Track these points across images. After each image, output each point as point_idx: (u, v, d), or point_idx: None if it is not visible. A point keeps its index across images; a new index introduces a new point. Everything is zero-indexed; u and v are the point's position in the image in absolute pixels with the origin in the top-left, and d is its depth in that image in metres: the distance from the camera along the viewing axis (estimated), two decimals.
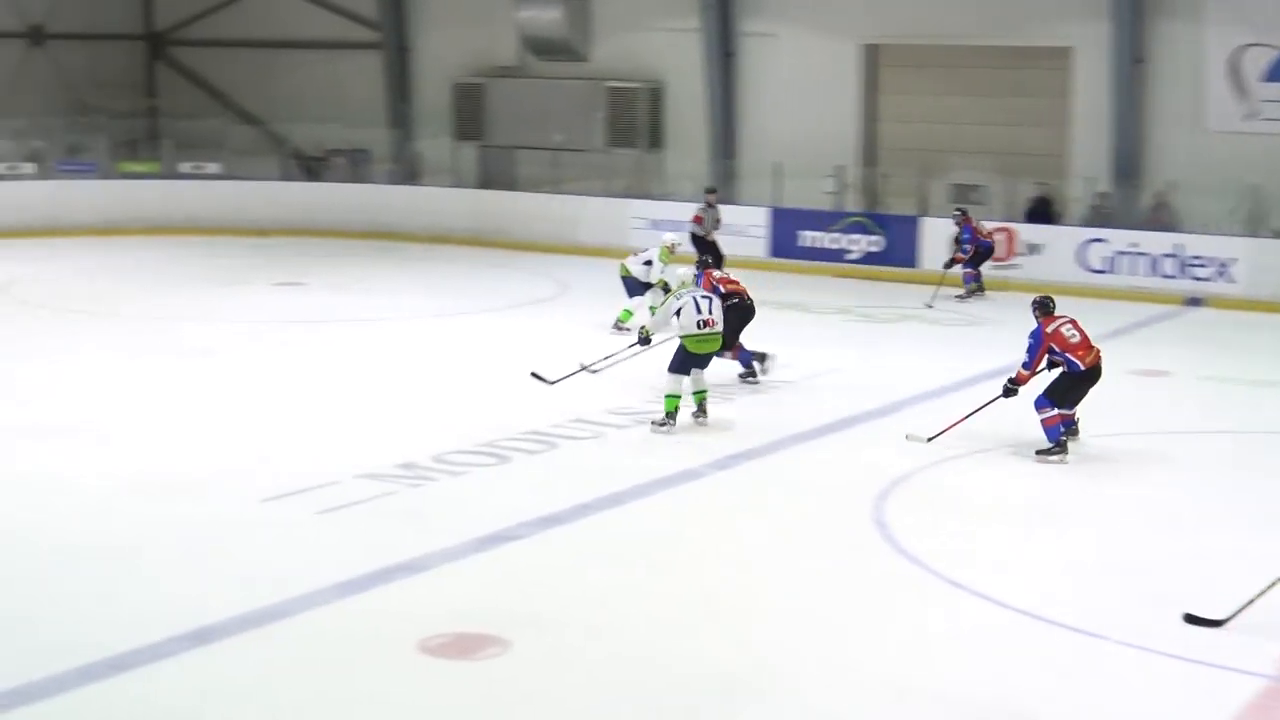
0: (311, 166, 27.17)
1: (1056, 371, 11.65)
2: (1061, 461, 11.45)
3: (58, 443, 11.61)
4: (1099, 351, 11.67)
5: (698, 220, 20.90)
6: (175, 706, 7.04)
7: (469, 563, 9.04)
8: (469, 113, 25.92)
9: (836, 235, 22.32)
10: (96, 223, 25.06)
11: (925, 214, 21.98)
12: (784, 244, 22.20)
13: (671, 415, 12.23)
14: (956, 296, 19.55)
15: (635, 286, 16.55)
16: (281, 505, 10.06)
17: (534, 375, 13.70)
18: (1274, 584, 8.24)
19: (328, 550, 9.19)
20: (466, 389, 13.82)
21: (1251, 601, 8.17)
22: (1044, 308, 11.74)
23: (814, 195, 22.84)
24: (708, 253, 20.02)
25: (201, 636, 7.71)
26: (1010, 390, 11.69)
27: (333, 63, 27.82)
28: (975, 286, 19.87)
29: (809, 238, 22.49)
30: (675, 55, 24.58)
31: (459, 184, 25.90)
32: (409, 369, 14.63)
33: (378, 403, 13.30)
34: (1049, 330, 11.57)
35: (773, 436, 12.19)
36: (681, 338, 12.37)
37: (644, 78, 24.79)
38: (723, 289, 13.64)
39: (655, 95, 24.83)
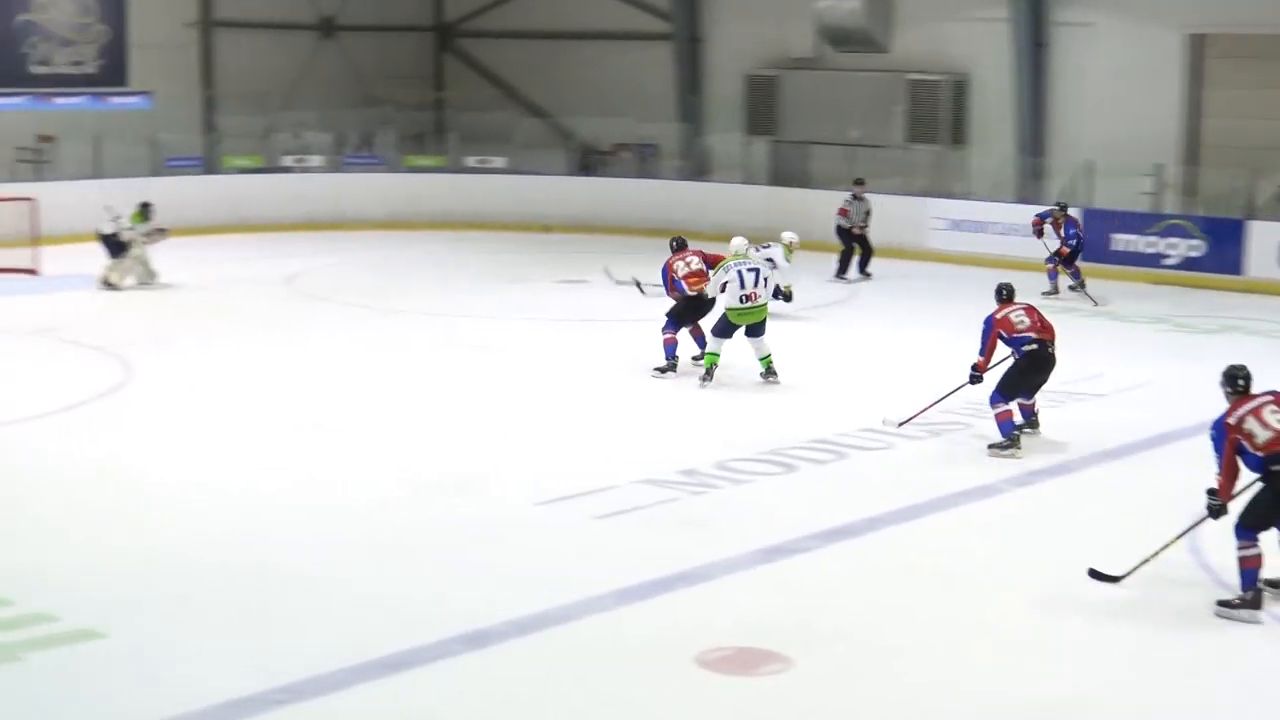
0: (598, 161, 27.63)
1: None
2: (1014, 456, 11.69)
3: (334, 437, 12.08)
4: (1049, 341, 11.97)
5: (843, 213, 21.16)
6: (445, 711, 7.18)
7: (752, 575, 9.03)
8: (761, 106, 25.95)
9: (1153, 239, 21.56)
10: (381, 216, 26.03)
11: (1252, 217, 21.04)
12: (1095, 247, 21.54)
13: (710, 372, 14.05)
14: (1043, 294, 19.24)
15: None
16: (558, 508, 10.20)
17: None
18: (1170, 543, 8.91)
19: (605, 557, 9.28)
20: (753, 393, 13.82)
21: (1147, 560, 8.82)
22: (999, 294, 12.29)
23: (1128, 196, 22.11)
24: (852, 244, 20.97)
25: (475, 640, 7.85)
26: (975, 378, 12.09)
27: (622, 54, 28.25)
28: (1074, 284, 19.75)
29: (1122, 241, 21.78)
30: (982, 46, 24.12)
31: (750, 180, 25.97)
32: (694, 371, 14.76)
33: (660, 405, 13.41)
34: (998, 316, 12.06)
35: (1079, 453, 11.86)
36: (727, 309, 13.96)
37: (947, 70, 24.41)
38: (686, 287, 14.53)
39: (959, 88, 24.42)
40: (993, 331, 12.01)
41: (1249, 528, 8.58)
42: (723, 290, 13.99)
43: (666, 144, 27.06)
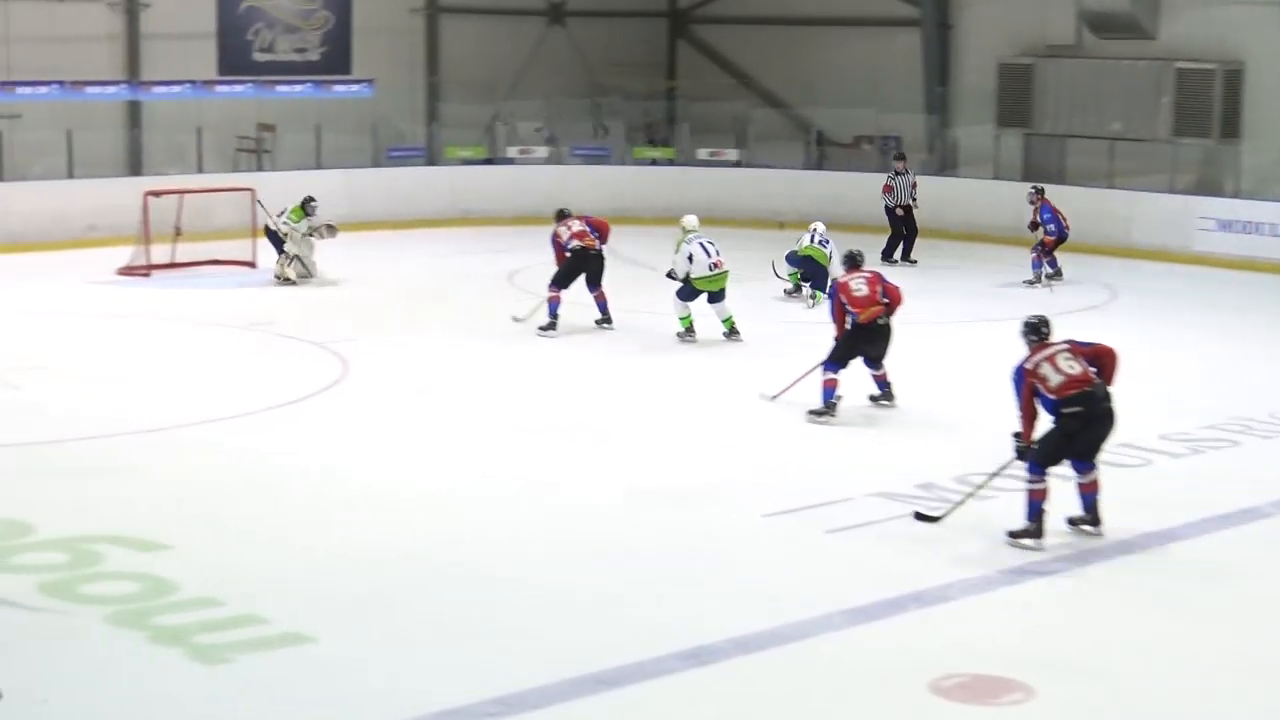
0: (838, 154, 27.49)
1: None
2: (827, 423, 12.82)
3: (554, 444, 12.24)
4: (881, 310, 12.98)
5: (886, 190, 22.31)
6: None
7: (993, 597, 8.90)
8: (1014, 96, 25.52)
9: None
10: (609, 210, 26.17)
11: None
12: None
13: (690, 330, 16.19)
14: (1025, 281, 20.08)
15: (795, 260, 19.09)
16: (786, 521, 10.19)
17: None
18: (984, 484, 10.17)
19: (834, 573, 9.24)
20: (991, 401, 13.59)
21: (962, 502, 10.07)
22: (850, 261, 13.56)
23: None
24: (900, 225, 22.05)
25: (697, 657, 7.88)
26: (828, 366, 13.17)
27: (865, 41, 28.06)
28: (1050, 273, 20.20)
29: None
30: (1259, 32, 23.34)
31: (1000, 176, 25.56)
32: (933, 378, 14.57)
33: (894, 413, 13.31)
34: (841, 282, 13.28)
35: None
36: (695, 279, 16.07)
37: (1220, 58, 23.67)
38: (576, 242, 16.68)
39: (1232, 78, 23.65)
40: (835, 299, 13.19)
41: (1039, 464, 9.83)
42: (690, 261, 16.09)
43: (911, 137, 26.79)
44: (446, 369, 14.94)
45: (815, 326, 15.03)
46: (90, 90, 23.44)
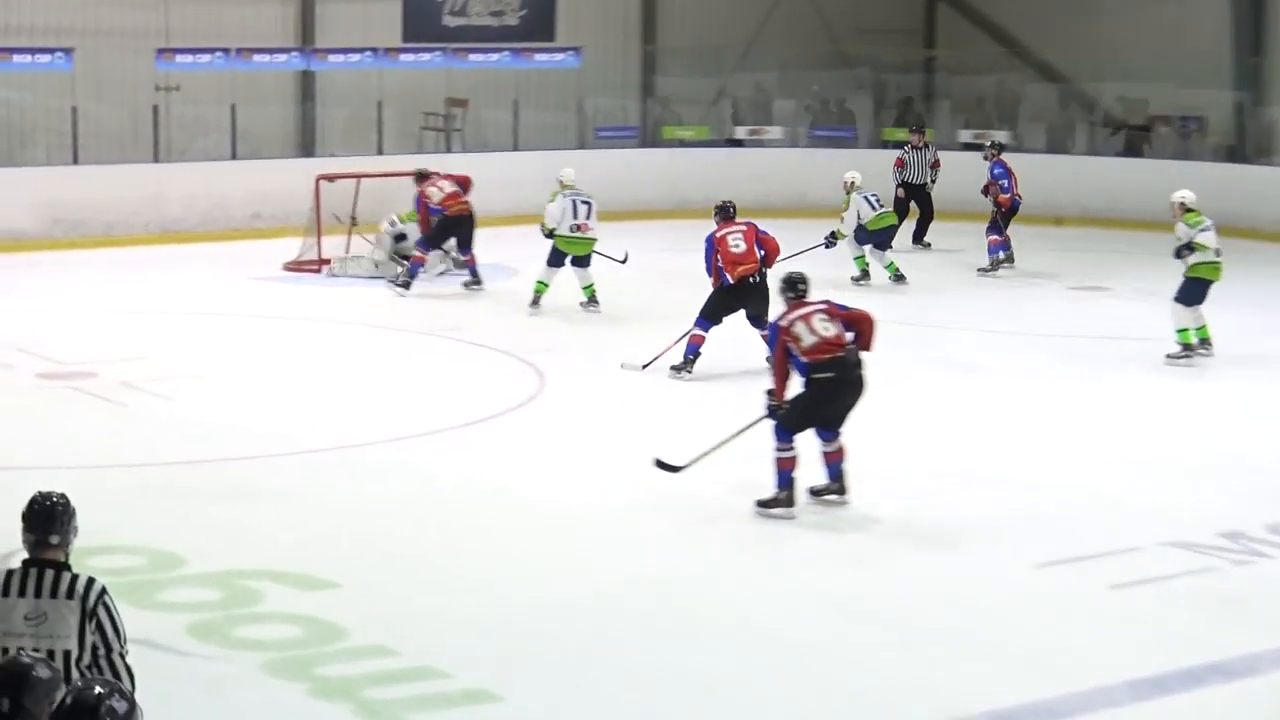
0: (1129, 138, 26.98)
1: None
2: (679, 377, 14.82)
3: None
4: (753, 268, 14.83)
5: (899, 164, 23.29)
6: None
7: None
8: None
9: None
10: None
11: None
12: None
13: (537, 299, 18.04)
14: (979, 269, 21.00)
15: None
16: (1064, 572, 10.04)
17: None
18: (729, 439, 11.25)
19: (1118, 637, 9.07)
20: None
21: (706, 454, 11.08)
22: (723, 212, 15.32)
23: None
24: (913, 199, 23.08)
25: None
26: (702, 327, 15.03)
27: (1161, 6, 27.50)
28: (1003, 257, 21.04)
29: None
30: None
31: None
32: (1240, 408, 14.19)
33: (1200, 450, 13.03)
34: (718, 235, 14.99)
35: None
36: (558, 236, 17.78)
37: None
38: (445, 210, 18.87)
39: None
40: (712, 250, 14.96)
41: (787, 430, 10.86)
42: (560, 218, 17.78)
43: (1216, 117, 26.18)
44: (660, 383, 14.98)
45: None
46: (257, 59, 24.07)
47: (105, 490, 11.04)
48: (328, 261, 20.50)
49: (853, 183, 20.03)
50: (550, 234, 18.01)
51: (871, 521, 11.01)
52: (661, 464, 11.25)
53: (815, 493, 11.08)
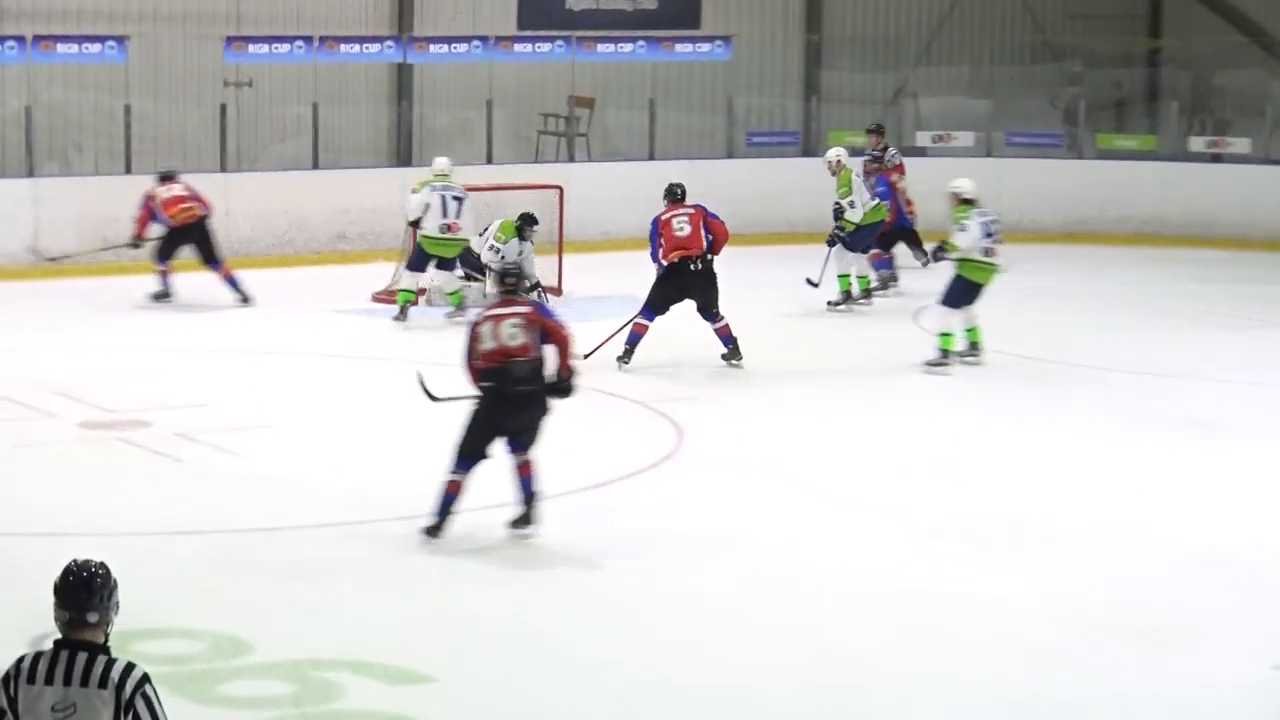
0: None
1: None
2: (624, 369, 16.89)
3: (970, 541, 12.10)
4: (694, 253, 16.83)
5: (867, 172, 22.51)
6: None
7: None
8: None
9: None
10: (1055, 222, 25.92)
11: None
12: None
13: (405, 309, 19.35)
14: (856, 294, 20.81)
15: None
16: None
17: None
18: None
19: None
20: None
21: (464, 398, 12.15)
22: (670, 194, 17.33)
23: None
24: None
25: None
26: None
27: None
28: (887, 276, 21.58)
29: None
30: None
31: None
32: None
33: None
34: (663, 218, 17.06)
35: None
36: (423, 236, 19.07)
37: None
38: (170, 218, 20.04)
39: None
40: (656, 233, 17.04)
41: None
42: (424, 211, 19.00)
43: None
44: (808, 438, 14.96)
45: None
46: (345, 50, 24.27)
47: (158, 562, 11.12)
48: (424, 291, 20.59)
49: (839, 160, 20.59)
50: (415, 224, 19.27)
51: (1084, 607, 10.91)
52: (424, 387, 12.46)
53: (512, 524, 11.91)
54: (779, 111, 27.74)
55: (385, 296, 20.76)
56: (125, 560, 6.33)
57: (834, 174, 20.54)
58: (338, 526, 12.36)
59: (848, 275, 20.44)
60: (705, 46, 26.29)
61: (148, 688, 5.75)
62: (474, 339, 11.90)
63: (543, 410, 11.95)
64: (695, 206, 17.11)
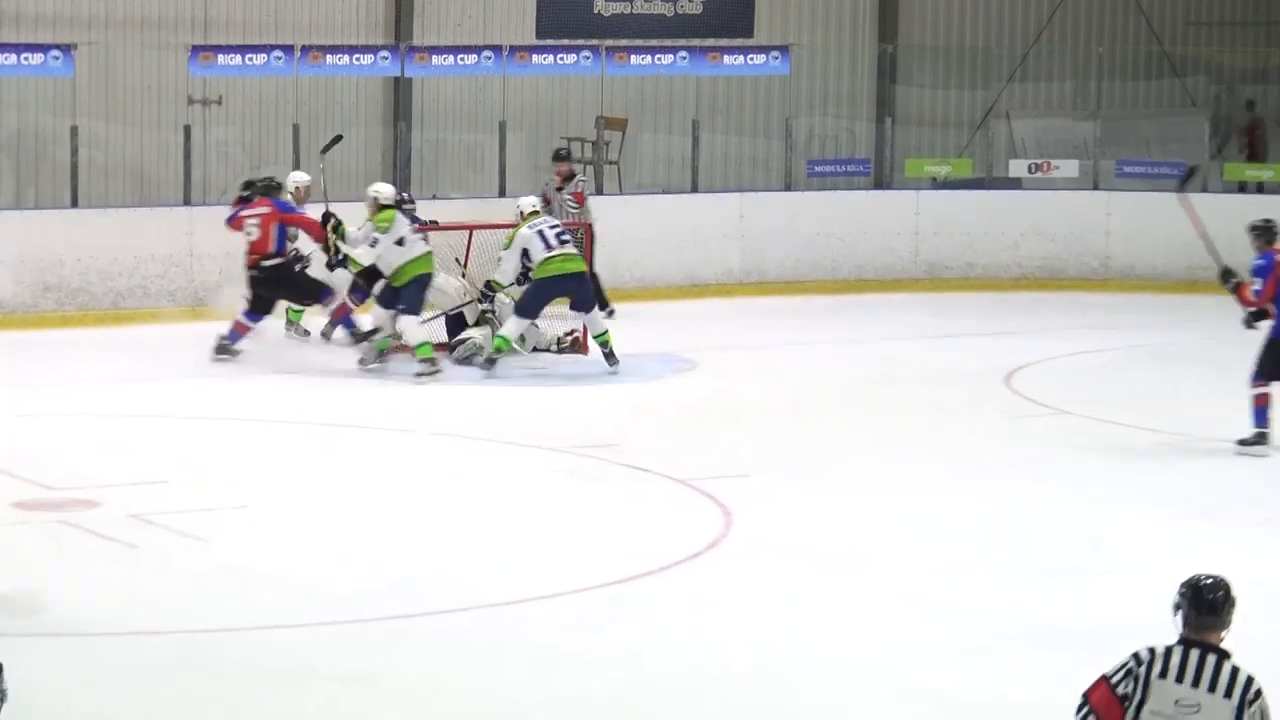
0: None
1: None
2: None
3: (1082, 656, 12.04)
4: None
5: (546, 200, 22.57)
6: None
7: None
8: None
9: None
10: (1172, 269, 25.86)
11: None
12: None
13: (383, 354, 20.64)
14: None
15: None
16: None
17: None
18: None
19: None
20: None
21: None
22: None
23: None
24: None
25: None
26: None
27: None
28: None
29: None
30: None
31: None
32: None
33: None
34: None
35: None
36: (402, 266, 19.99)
37: None
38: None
39: None
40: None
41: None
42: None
43: None
44: (878, 524, 14.98)
45: None
46: (332, 61, 24.30)
47: (107, 667, 11.03)
48: (438, 347, 20.72)
49: (522, 212, 20.45)
50: (340, 262, 20.26)
51: None
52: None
53: None
54: (846, 136, 27.77)
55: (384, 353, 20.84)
56: (67, 664, 6.34)
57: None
58: (322, 627, 12.33)
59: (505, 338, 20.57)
60: (759, 58, 26.25)
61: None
62: None
63: None
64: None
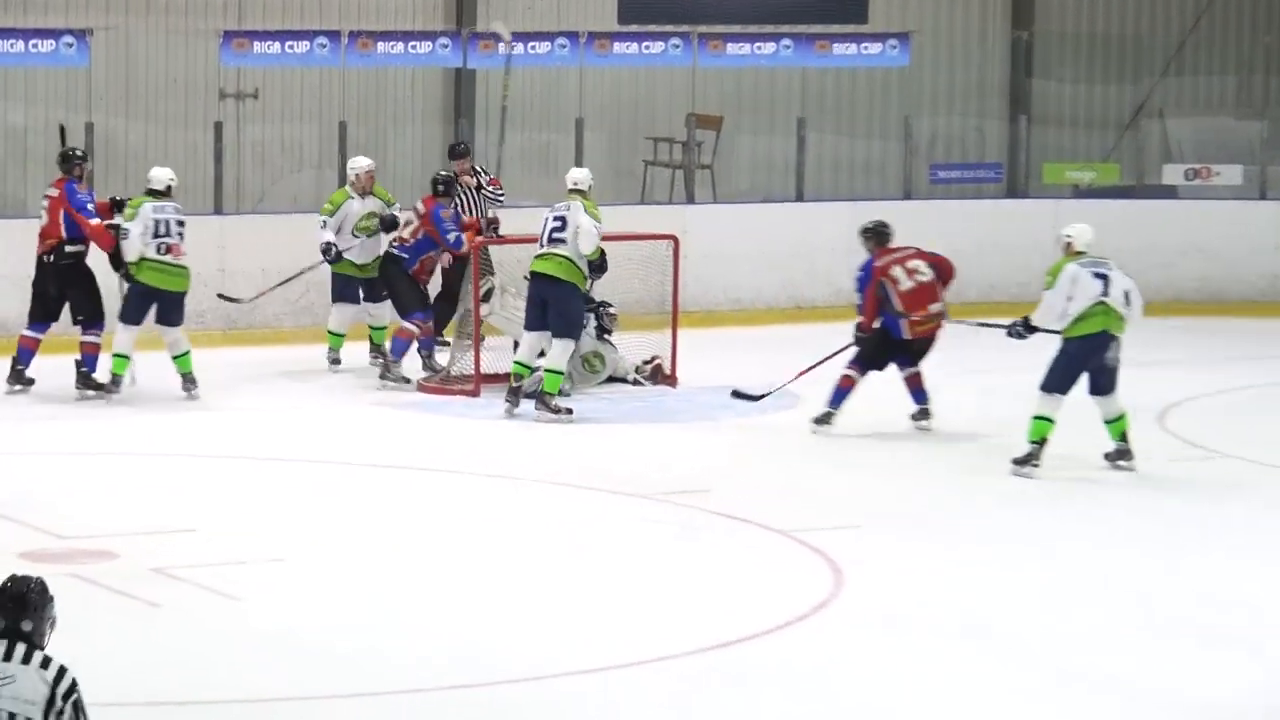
0: None
1: None
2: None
3: None
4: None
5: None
6: None
7: None
8: None
9: None
10: None
11: None
12: None
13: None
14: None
15: None
16: None
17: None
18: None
19: None
20: None
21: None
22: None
23: None
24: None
25: None
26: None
27: None
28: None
29: None
30: None
31: None
32: None
33: None
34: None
35: None
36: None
37: None
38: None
39: None
40: None
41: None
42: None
43: None
44: (1012, 589, 14.96)
45: None
46: (384, 49, 24.39)
47: None
48: (495, 379, 20.75)
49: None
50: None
51: None
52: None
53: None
54: (974, 136, 27.75)
55: (438, 385, 20.91)
56: None
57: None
58: (372, 698, 12.37)
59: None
60: (874, 47, 26.28)
61: (79, 695, 7.69)
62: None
63: None
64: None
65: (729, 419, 19.75)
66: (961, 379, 20.54)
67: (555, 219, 20.12)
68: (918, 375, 19.63)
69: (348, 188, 21.81)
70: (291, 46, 23.78)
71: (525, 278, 20.46)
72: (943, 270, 19.73)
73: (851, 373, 19.05)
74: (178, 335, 20.50)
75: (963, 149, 27.61)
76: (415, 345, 21.30)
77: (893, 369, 19.30)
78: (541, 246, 20.03)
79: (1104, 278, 18.09)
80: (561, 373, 19.81)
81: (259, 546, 15.47)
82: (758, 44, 25.64)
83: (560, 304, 19.90)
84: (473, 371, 20.86)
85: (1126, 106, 28.39)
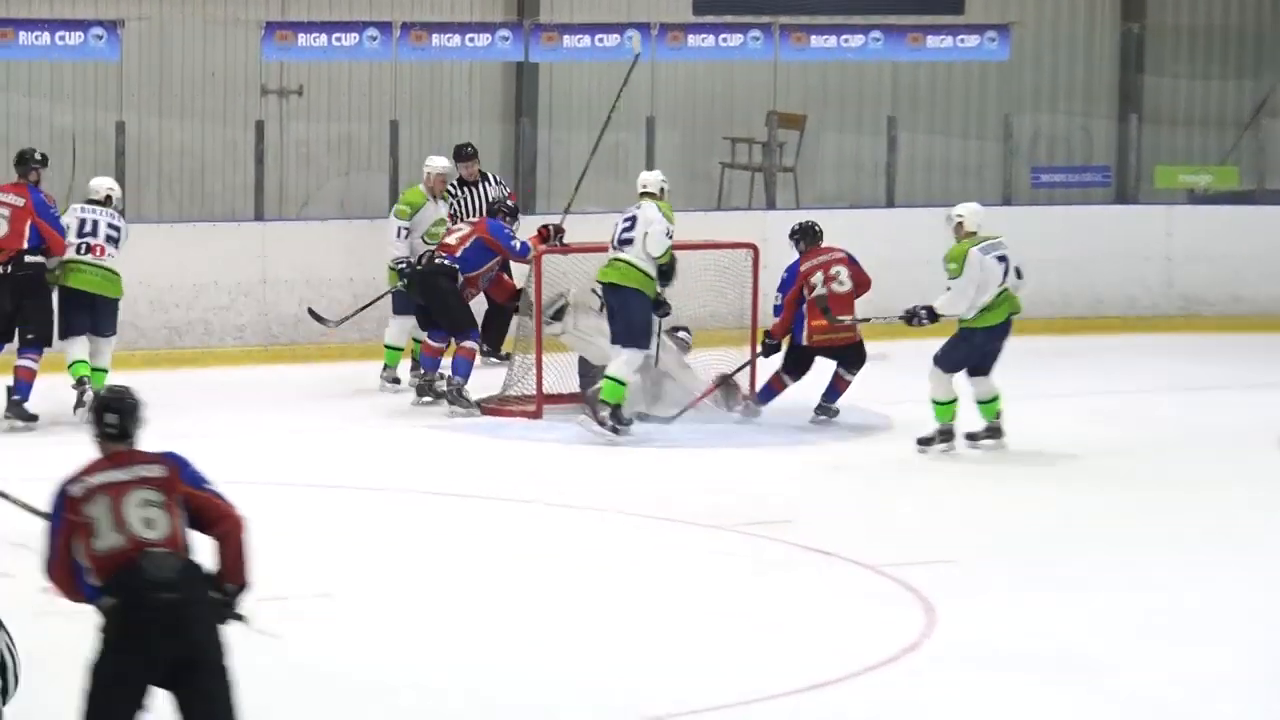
0: None
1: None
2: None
3: None
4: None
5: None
6: None
7: None
8: None
9: None
10: None
11: None
12: None
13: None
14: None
15: None
16: None
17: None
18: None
19: None
20: None
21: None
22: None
23: None
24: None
25: None
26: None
27: None
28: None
29: None
30: None
31: None
32: None
33: None
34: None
35: None
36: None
37: None
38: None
39: None
40: None
41: None
42: None
43: None
44: (1115, 627, 14.93)
45: None
46: (440, 43, 24.41)
47: None
48: (559, 399, 20.81)
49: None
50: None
51: None
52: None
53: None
54: (1080, 137, 27.74)
55: (498, 406, 20.94)
56: None
57: None
58: None
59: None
60: (971, 40, 26.28)
61: None
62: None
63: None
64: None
65: (815, 445, 19.76)
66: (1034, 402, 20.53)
67: (625, 220, 20.47)
68: (846, 383, 20.49)
69: (421, 187, 21.84)
70: (339, 39, 23.81)
71: (594, 291, 20.54)
72: (860, 285, 20.72)
73: (785, 377, 20.33)
74: (104, 347, 20.88)
75: (1068, 150, 27.62)
76: (429, 362, 21.66)
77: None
78: (610, 251, 20.21)
79: (1004, 259, 19.24)
80: (622, 382, 19.80)
81: (303, 580, 15.49)
82: (844, 36, 25.65)
83: (623, 311, 20.03)
84: (535, 391, 20.89)
85: (1246, 105, 28.37)
